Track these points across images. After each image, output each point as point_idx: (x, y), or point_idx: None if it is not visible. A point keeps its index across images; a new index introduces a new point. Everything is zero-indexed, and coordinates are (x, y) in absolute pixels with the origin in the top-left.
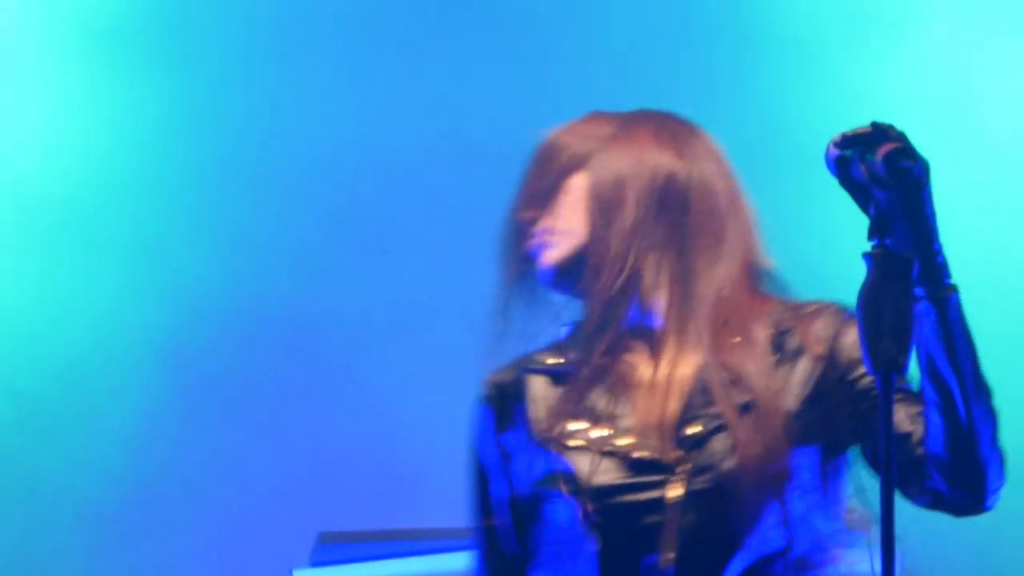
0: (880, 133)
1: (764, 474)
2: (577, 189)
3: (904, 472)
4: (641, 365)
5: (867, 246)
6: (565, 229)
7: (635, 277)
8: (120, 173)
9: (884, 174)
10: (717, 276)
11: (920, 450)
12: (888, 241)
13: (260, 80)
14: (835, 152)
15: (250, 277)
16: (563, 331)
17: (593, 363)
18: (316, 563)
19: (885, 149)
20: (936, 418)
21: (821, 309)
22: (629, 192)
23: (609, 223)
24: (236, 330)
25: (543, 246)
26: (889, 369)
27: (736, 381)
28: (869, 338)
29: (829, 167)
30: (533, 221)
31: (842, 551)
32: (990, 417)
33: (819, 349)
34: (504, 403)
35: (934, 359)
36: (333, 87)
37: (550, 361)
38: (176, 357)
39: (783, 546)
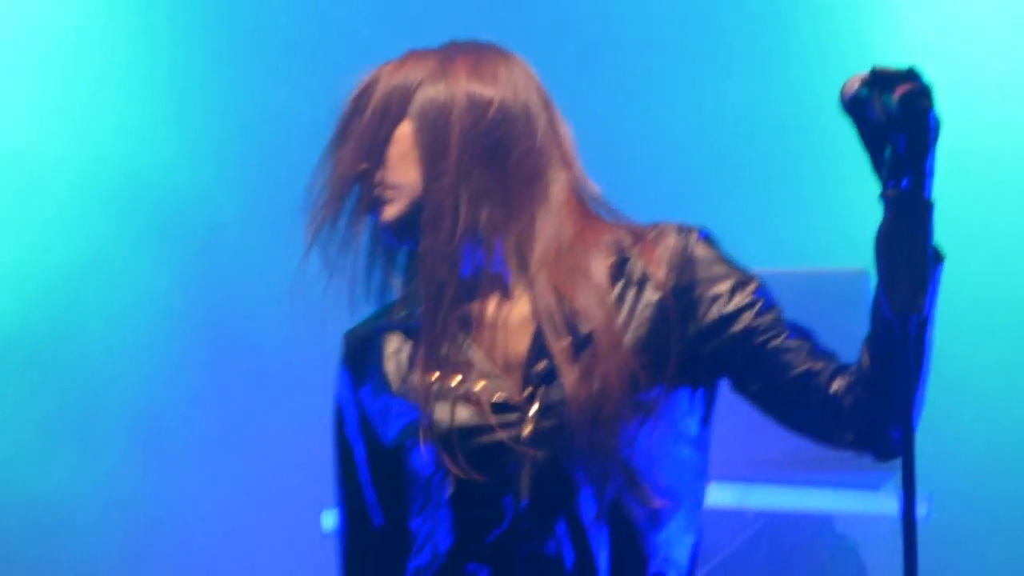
0: (905, 74)
1: (605, 410)
2: (404, 137)
3: (816, 411)
4: (489, 308)
5: None
6: (399, 183)
7: (471, 224)
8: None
9: (899, 112)
10: (548, 208)
11: (835, 386)
12: (905, 183)
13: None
14: (852, 92)
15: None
16: (403, 285)
17: (441, 313)
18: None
19: (903, 88)
20: (873, 363)
21: (663, 232)
22: (452, 134)
23: (439, 173)
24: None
25: (380, 201)
26: (907, 312)
27: (574, 315)
28: (886, 282)
29: (845, 108)
30: (368, 173)
31: (700, 484)
32: (927, 371)
33: (662, 276)
34: (360, 361)
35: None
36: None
37: (402, 314)
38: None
39: (629, 488)
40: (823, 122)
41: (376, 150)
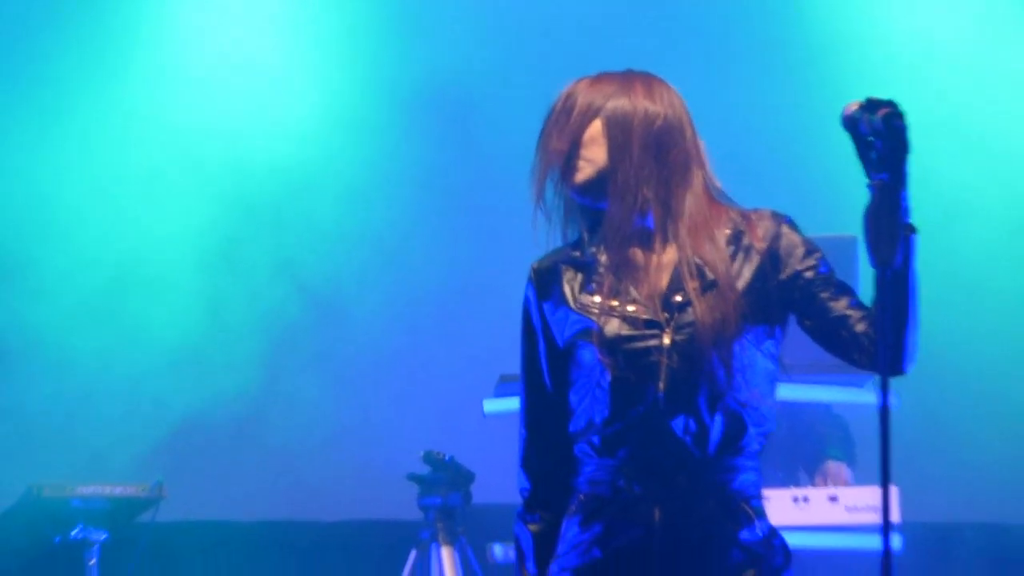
0: (883, 102)
1: (721, 332)
2: (596, 131)
3: (843, 342)
4: (640, 254)
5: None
6: (590, 158)
7: (642, 197)
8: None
9: (882, 128)
10: (687, 188)
11: (858, 328)
12: (885, 176)
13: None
14: (849, 113)
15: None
16: (578, 234)
17: (614, 254)
18: (498, 395)
19: (885, 111)
20: (889, 309)
21: (763, 215)
22: (633, 133)
23: (621, 157)
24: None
25: (574, 169)
26: (885, 264)
27: (703, 266)
28: (871, 244)
29: (844, 123)
30: (564, 152)
31: (775, 384)
32: (917, 317)
33: (762, 245)
34: (544, 283)
35: (900, 271)
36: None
37: (575, 254)
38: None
39: (733, 386)
40: (826, 128)
41: (577, 136)
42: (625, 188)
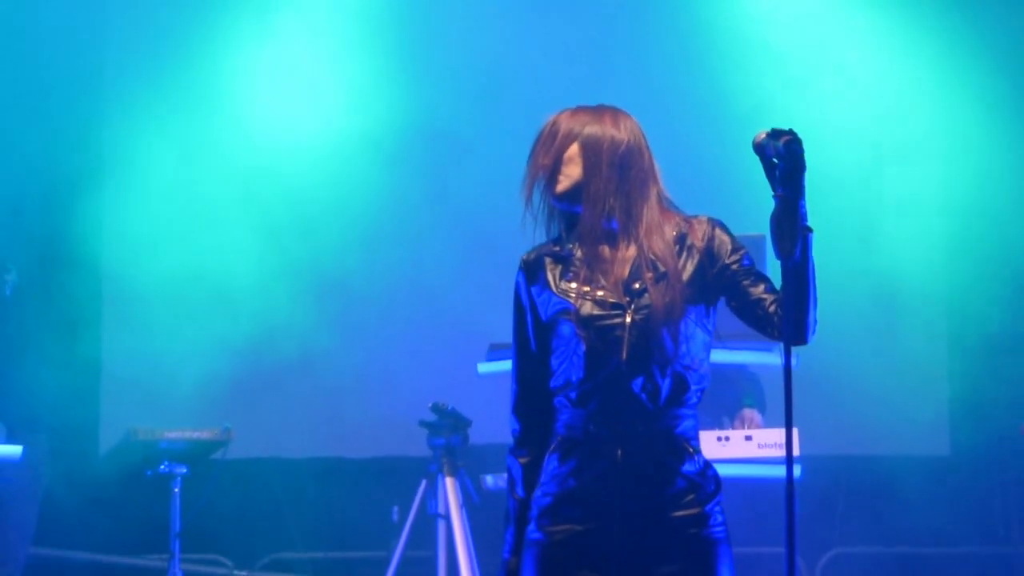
0: (785, 131)
1: (670, 313)
2: (574, 152)
3: (759, 319)
4: (607, 250)
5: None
6: (568, 173)
7: (607, 202)
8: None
9: (784, 152)
10: (644, 200)
11: (771, 308)
12: (783, 190)
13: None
14: (758, 140)
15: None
16: (558, 233)
17: (587, 250)
18: (489, 360)
19: (785, 138)
20: (791, 292)
21: (702, 220)
22: (603, 154)
23: (594, 173)
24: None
25: (556, 181)
26: (787, 257)
27: (656, 261)
28: (776, 241)
29: (755, 148)
30: (549, 168)
31: (709, 351)
32: (814, 298)
33: (700, 244)
34: (531, 271)
35: (799, 262)
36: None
37: (555, 249)
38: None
39: (679, 353)
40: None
41: (559, 155)
42: (596, 197)
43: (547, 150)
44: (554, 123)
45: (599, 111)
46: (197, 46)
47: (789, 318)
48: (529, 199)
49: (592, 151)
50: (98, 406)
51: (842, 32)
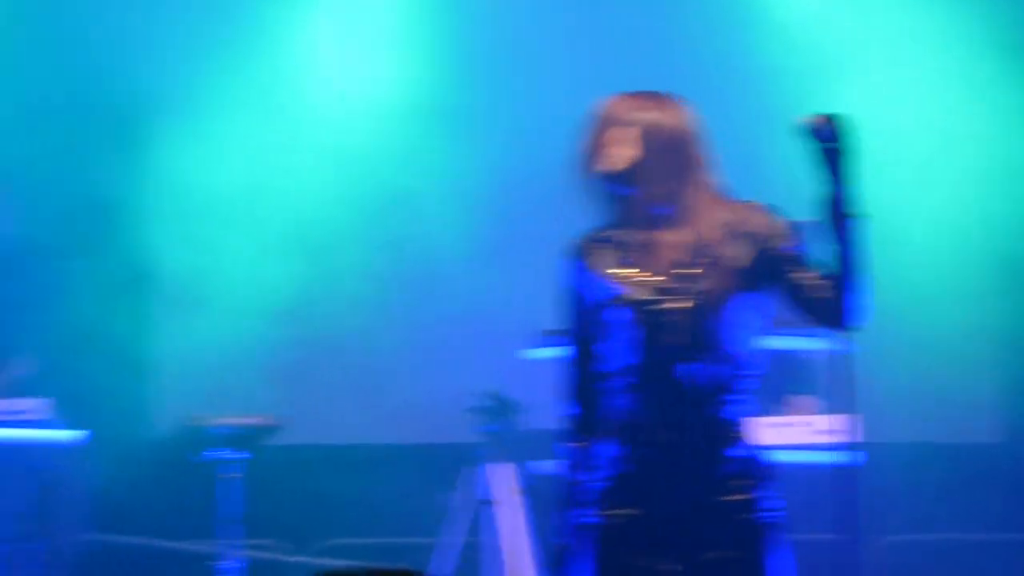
0: (832, 115)
1: (720, 299)
2: (632, 135)
3: (802, 304)
4: (658, 235)
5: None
6: (625, 155)
7: (664, 186)
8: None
9: (831, 136)
10: (699, 186)
11: (812, 293)
12: (830, 174)
13: None
14: (806, 124)
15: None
16: (607, 218)
17: (633, 235)
18: (540, 346)
19: (833, 123)
20: (836, 276)
21: (754, 207)
22: (661, 139)
23: (651, 156)
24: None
25: (612, 163)
26: (837, 242)
27: (707, 247)
28: (825, 224)
29: (802, 133)
30: (606, 150)
31: (760, 339)
32: (863, 284)
33: (752, 231)
34: (583, 256)
35: (847, 247)
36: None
37: (605, 235)
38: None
39: (729, 339)
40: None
41: (616, 138)
42: (652, 180)
43: (604, 131)
44: (610, 105)
45: (658, 97)
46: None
47: (839, 304)
48: (581, 182)
49: (651, 134)
50: (150, 393)
51: (894, 19)
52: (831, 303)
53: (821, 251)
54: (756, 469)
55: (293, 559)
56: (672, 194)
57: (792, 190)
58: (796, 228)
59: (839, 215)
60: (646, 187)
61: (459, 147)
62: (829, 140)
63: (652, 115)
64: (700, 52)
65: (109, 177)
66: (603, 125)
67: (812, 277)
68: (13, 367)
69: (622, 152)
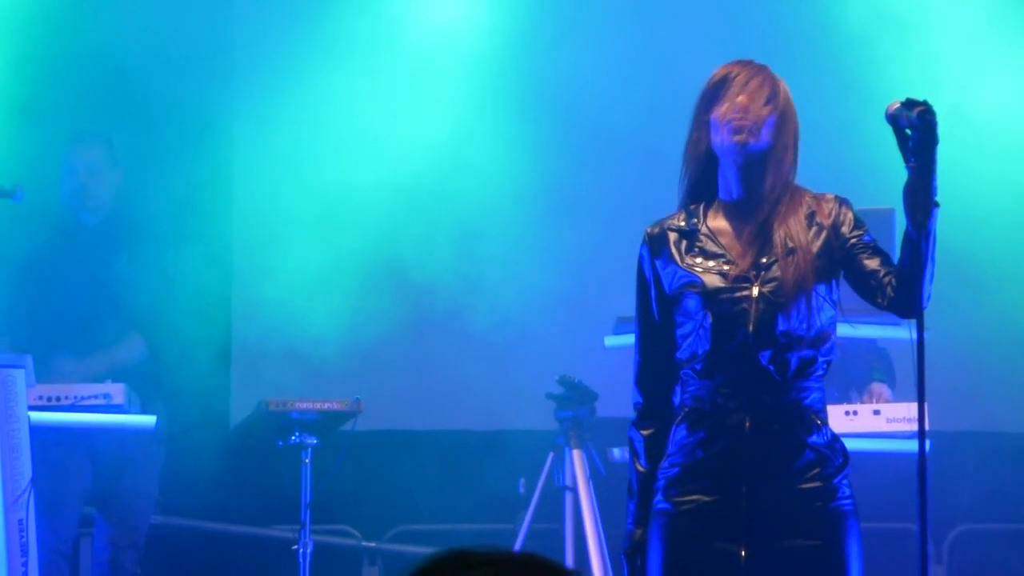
0: (919, 102)
1: (799, 287)
2: (769, 111)
3: (871, 289)
4: (736, 224)
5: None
6: (763, 131)
7: (782, 165)
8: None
9: (918, 122)
10: (784, 174)
11: (884, 279)
12: (919, 160)
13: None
14: (891, 110)
15: None
16: (696, 197)
17: (712, 223)
18: (616, 333)
19: (919, 109)
20: (905, 262)
21: (829, 199)
22: (789, 122)
23: (782, 136)
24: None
25: (746, 128)
26: (920, 228)
27: (786, 236)
28: (908, 211)
29: (887, 119)
30: (739, 121)
31: (835, 324)
32: (931, 272)
33: (827, 221)
34: (655, 244)
35: (925, 234)
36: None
37: (679, 223)
38: None
39: (806, 326)
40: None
41: (754, 111)
42: (781, 162)
43: (731, 103)
44: (732, 76)
45: (769, 71)
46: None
47: (920, 292)
48: (696, 152)
49: (783, 116)
50: (230, 377)
51: (986, 6)
52: (902, 290)
53: (895, 237)
54: (833, 456)
55: (366, 544)
56: (782, 172)
57: (873, 175)
58: (864, 220)
59: (917, 202)
60: (775, 166)
61: (534, 131)
62: (913, 127)
63: (780, 88)
64: (795, 36)
65: (190, 174)
66: (729, 93)
67: (881, 265)
68: (129, 346)
69: (759, 127)
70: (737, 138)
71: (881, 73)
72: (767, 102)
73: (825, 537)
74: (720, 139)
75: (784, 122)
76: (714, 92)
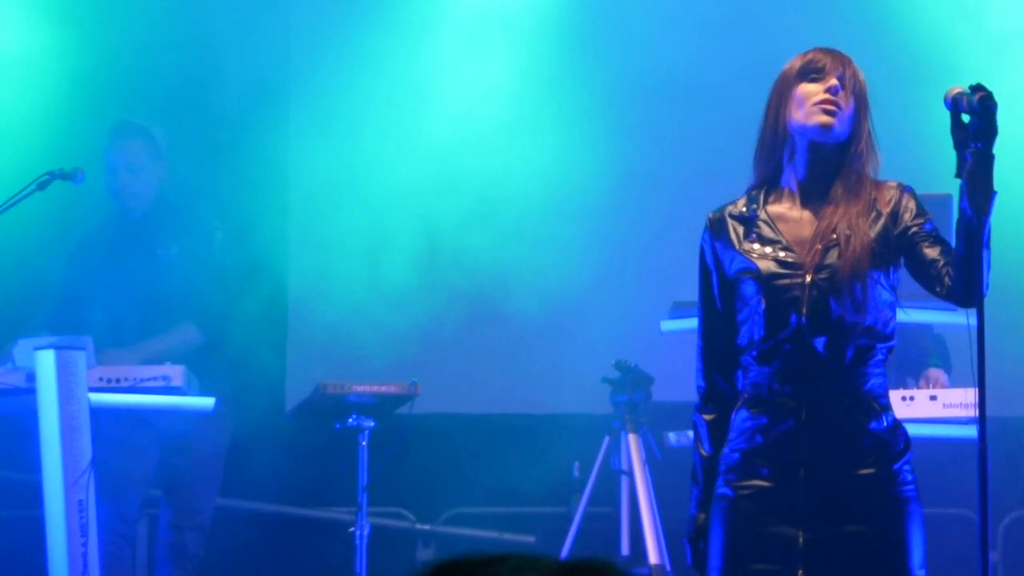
0: (979, 87)
1: (854, 274)
2: (852, 103)
3: (931, 279)
4: (795, 210)
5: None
6: (846, 113)
7: (859, 154)
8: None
9: (978, 107)
10: (856, 169)
11: (943, 268)
12: (980, 145)
13: None
14: (952, 95)
15: None
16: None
17: (771, 208)
18: (672, 317)
19: (980, 94)
20: (963, 249)
21: (890, 186)
22: (866, 115)
23: (860, 129)
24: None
25: (835, 112)
26: (981, 214)
27: (846, 223)
28: (970, 199)
29: (946, 103)
30: (833, 105)
31: (894, 311)
32: (989, 260)
33: (887, 209)
34: (716, 230)
35: (980, 224)
36: None
37: (740, 209)
38: None
39: (862, 313)
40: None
41: (837, 94)
42: (857, 155)
43: (827, 81)
44: (816, 59)
45: (858, 68)
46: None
47: (980, 279)
48: (773, 136)
49: (862, 99)
50: (285, 360)
51: None
52: (960, 278)
53: (952, 224)
54: (894, 442)
55: (420, 527)
56: (855, 167)
57: (932, 160)
58: (925, 208)
59: (978, 187)
60: (858, 150)
61: (592, 113)
62: (974, 111)
63: (862, 82)
64: (855, 19)
65: (244, 159)
66: (812, 72)
67: (942, 254)
68: (181, 333)
69: (840, 113)
70: (824, 119)
71: (944, 58)
72: (853, 94)
73: (884, 523)
74: (803, 115)
75: (863, 117)
76: (803, 71)
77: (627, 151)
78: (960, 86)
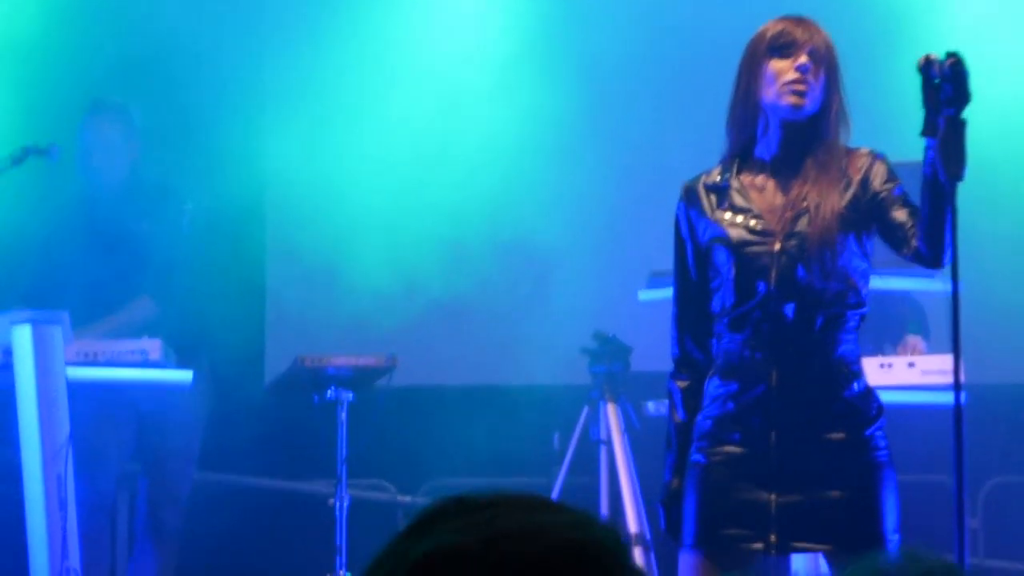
0: (954, 53)
1: (823, 240)
2: (823, 76)
3: (898, 240)
4: (765, 179)
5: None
6: (817, 87)
7: (831, 126)
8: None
9: (950, 73)
10: (828, 140)
11: (911, 231)
12: (952, 111)
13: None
14: (924, 61)
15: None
16: (733, 154)
17: (744, 177)
18: (650, 287)
19: (951, 60)
20: (928, 211)
21: (862, 153)
22: (837, 84)
23: (832, 100)
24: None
25: (806, 93)
26: (955, 179)
27: (816, 191)
28: (943, 163)
29: (919, 69)
30: (803, 85)
31: (867, 278)
32: (953, 220)
33: (858, 176)
34: (691, 198)
35: (944, 184)
36: None
37: (714, 179)
38: None
39: (832, 281)
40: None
41: (809, 69)
42: (828, 127)
43: (796, 59)
44: (784, 31)
45: (816, 25)
46: None
47: (948, 241)
48: (742, 108)
49: (836, 76)
50: (264, 333)
51: None
52: (927, 240)
53: (920, 188)
54: (866, 408)
55: (401, 499)
56: (827, 139)
57: (901, 124)
58: (897, 174)
59: (950, 153)
60: (833, 124)
61: (569, 84)
62: (945, 77)
63: (833, 51)
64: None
65: (219, 110)
66: (782, 48)
67: (910, 216)
68: (135, 308)
69: (811, 85)
70: (795, 100)
71: (918, 22)
72: (823, 66)
73: (856, 487)
74: (774, 94)
75: (834, 88)
76: (772, 45)
77: (606, 120)
78: (933, 52)
